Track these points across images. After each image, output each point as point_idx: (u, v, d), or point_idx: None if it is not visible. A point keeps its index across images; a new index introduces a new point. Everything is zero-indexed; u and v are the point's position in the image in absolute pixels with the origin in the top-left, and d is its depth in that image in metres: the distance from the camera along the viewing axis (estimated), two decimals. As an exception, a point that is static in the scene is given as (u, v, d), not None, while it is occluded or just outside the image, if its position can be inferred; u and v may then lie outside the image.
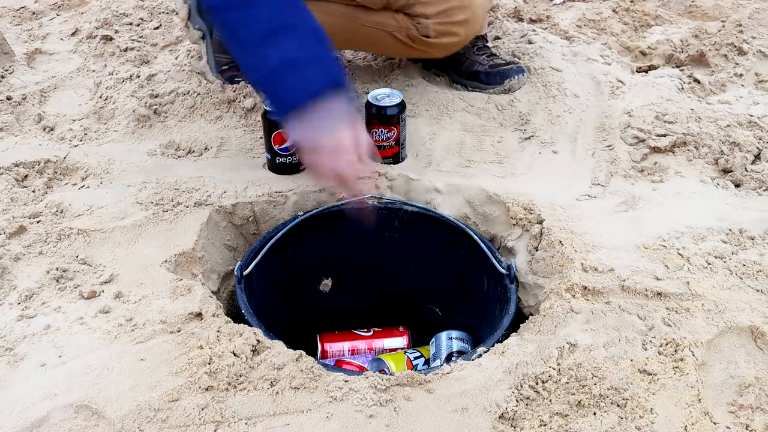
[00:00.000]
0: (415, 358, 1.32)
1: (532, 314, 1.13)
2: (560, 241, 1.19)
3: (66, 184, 1.39)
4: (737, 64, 1.80)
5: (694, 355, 0.96)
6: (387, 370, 1.24)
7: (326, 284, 1.44)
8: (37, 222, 1.24)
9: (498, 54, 1.79)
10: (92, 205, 1.29)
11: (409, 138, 1.45)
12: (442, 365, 0.98)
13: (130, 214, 1.27)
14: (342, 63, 1.06)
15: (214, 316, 1.04)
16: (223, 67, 1.69)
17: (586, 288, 1.09)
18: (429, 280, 1.44)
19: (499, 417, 0.88)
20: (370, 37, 1.55)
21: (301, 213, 1.33)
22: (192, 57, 1.83)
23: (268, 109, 1.35)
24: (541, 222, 1.25)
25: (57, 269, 1.12)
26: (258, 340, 0.99)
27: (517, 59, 1.78)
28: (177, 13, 2.08)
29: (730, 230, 1.21)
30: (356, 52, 1.82)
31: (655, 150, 1.46)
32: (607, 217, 1.27)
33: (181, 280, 1.13)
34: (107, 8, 2.14)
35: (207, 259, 1.23)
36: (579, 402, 0.90)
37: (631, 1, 2.24)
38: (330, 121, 1.06)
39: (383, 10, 1.52)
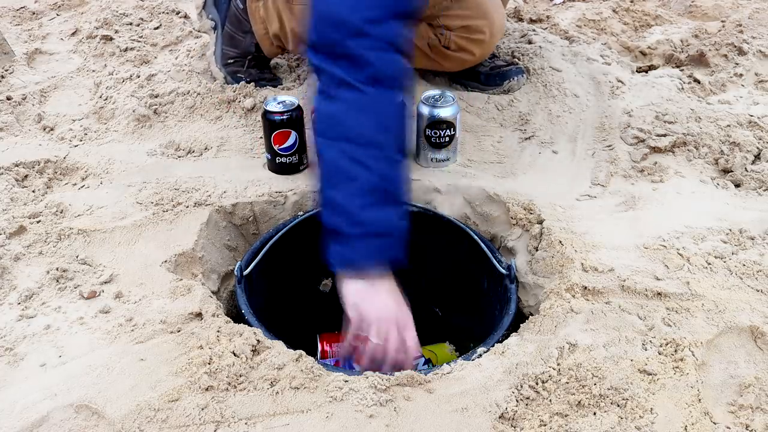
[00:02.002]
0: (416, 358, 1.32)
1: (532, 314, 1.13)
2: (560, 241, 1.19)
3: (66, 184, 1.39)
4: (737, 64, 1.81)
5: (694, 355, 0.96)
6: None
7: (326, 284, 1.44)
8: (37, 222, 1.24)
9: (498, 54, 1.79)
10: (92, 205, 1.29)
11: (409, 138, 1.45)
12: (442, 368, 0.98)
13: (130, 214, 1.27)
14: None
15: (214, 316, 1.04)
16: (228, 61, 1.70)
17: (586, 288, 1.09)
18: (429, 280, 1.44)
19: (499, 417, 0.88)
20: None
21: (301, 213, 1.33)
22: (191, 56, 1.83)
23: (268, 109, 1.35)
24: (541, 222, 1.25)
25: (57, 269, 1.12)
26: (258, 340, 0.99)
27: (516, 60, 1.78)
28: (178, 13, 2.09)
29: (730, 230, 1.21)
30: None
31: (655, 150, 1.46)
32: (607, 217, 1.27)
33: (181, 280, 1.13)
34: (107, 8, 2.14)
35: (207, 259, 1.23)
36: (579, 402, 0.90)
37: (631, 1, 2.24)
38: (390, 297, 1.07)
39: None
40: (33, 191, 1.34)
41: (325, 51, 1.06)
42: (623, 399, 0.90)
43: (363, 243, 1.05)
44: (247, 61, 1.70)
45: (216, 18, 1.70)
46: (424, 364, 1.31)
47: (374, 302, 1.06)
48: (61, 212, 1.27)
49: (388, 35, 1.04)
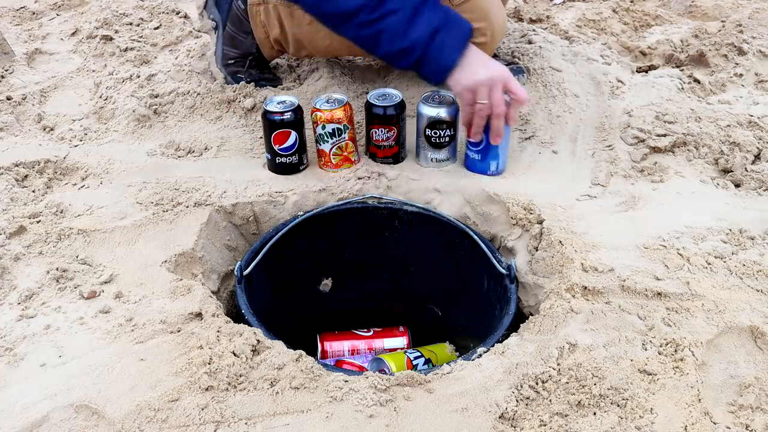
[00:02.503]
0: (415, 358, 1.32)
1: (532, 314, 1.13)
2: (560, 241, 1.19)
3: (66, 184, 1.39)
4: (737, 64, 1.81)
5: (694, 355, 0.96)
6: (387, 370, 1.24)
7: (326, 284, 1.44)
8: (37, 222, 1.24)
9: (498, 54, 1.79)
10: (92, 205, 1.29)
11: (408, 138, 1.45)
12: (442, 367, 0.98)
13: (130, 214, 1.27)
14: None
15: (214, 316, 1.04)
16: (228, 61, 1.69)
17: (586, 288, 1.09)
18: (429, 280, 1.44)
19: (499, 417, 0.88)
20: None
21: (301, 213, 1.33)
22: (191, 56, 1.83)
23: (268, 109, 1.35)
24: (541, 222, 1.25)
25: (57, 269, 1.12)
26: (258, 340, 0.99)
27: (517, 60, 1.78)
28: (178, 13, 2.09)
29: (730, 230, 1.21)
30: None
31: (655, 150, 1.46)
32: (607, 217, 1.27)
33: (181, 280, 1.13)
34: (107, 8, 2.14)
35: (207, 259, 1.23)
36: (579, 402, 0.90)
37: (631, 1, 2.25)
38: (484, 60, 1.30)
39: None
40: (33, 191, 1.34)
41: None
42: (623, 399, 0.90)
43: (432, 50, 1.26)
44: (248, 61, 1.70)
45: (217, 18, 1.70)
46: (424, 364, 1.31)
47: (473, 69, 1.28)
48: (61, 212, 1.27)
49: None
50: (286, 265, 1.32)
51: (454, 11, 1.30)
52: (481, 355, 0.99)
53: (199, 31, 1.82)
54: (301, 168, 1.41)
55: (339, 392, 0.90)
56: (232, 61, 1.70)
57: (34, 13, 2.22)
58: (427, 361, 1.32)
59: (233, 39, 1.68)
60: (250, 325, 1.05)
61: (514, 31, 1.99)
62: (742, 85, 1.74)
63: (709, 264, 1.13)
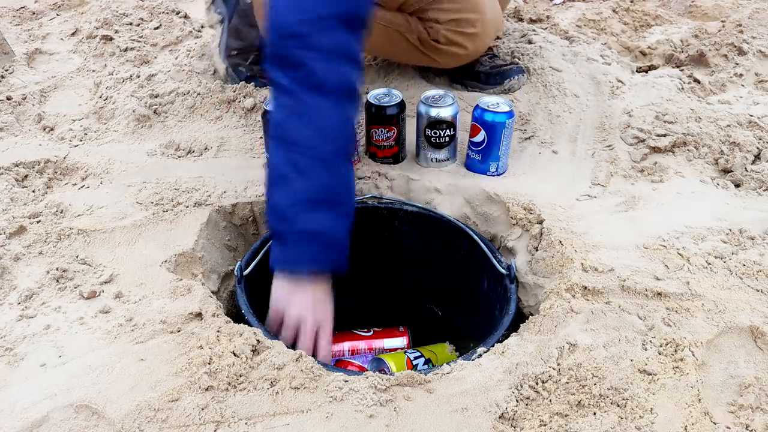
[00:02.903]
0: (415, 358, 1.32)
1: (532, 314, 1.13)
2: (560, 241, 1.19)
3: (66, 184, 1.39)
4: (737, 64, 1.81)
5: (694, 355, 0.96)
6: (387, 370, 1.24)
7: (326, 284, 1.44)
8: (37, 222, 1.24)
9: (498, 54, 1.79)
10: (92, 205, 1.29)
11: (408, 138, 1.45)
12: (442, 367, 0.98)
13: (130, 214, 1.27)
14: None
15: (214, 316, 1.04)
16: (231, 52, 1.71)
17: (586, 288, 1.09)
18: (429, 280, 1.44)
19: (499, 417, 0.88)
20: (381, 35, 1.56)
21: (301, 213, 1.33)
22: (191, 56, 1.84)
23: (268, 109, 1.35)
24: (541, 222, 1.25)
25: (57, 269, 1.12)
26: (258, 340, 0.98)
27: (517, 60, 1.78)
28: (178, 13, 2.09)
29: (730, 230, 1.21)
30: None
31: (655, 150, 1.46)
32: (607, 217, 1.27)
33: (181, 280, 1.13)
34: (107, 8, 2.14)
35: (207, 259, 1.23)
36: (579, 402, 0.90)
37: (631, 1, 2.25)
38: (311, 298, 1.09)
39: (397, 11, 1.53)
40: (33, 191, 1.34)
41: (269, 53, 1.07)
42: (623, 399, 0.90)
43: (295, 245, 1.07)
44: (252, 56, 1.70)
45: (224, 12, 1.72)
46: (424, 364, 1.31)
47: (294, 302, 1.08)
48: (61, 212, 1.27)
49: (331, 43, 1.04)
50: (286, 265, 1.32)
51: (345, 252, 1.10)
52: (481, 355, 0.99)
53: (203, 26, 1.82)
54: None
55: (339, 392, 0.90)
56: (235, 53, 1.70)
57: (34, 13, 2.22)
58: (427, 361, 1.32)
59: (238, 31, 1.69)
60: (250, 325, 1.05)
61: (514, 31, 1.99)
62: (742, 85, 1.74)
63: (709, 264, 1.13)
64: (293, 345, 1.07)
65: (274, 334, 1.08)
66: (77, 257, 1.16)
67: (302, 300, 1.08)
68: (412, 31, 1.55)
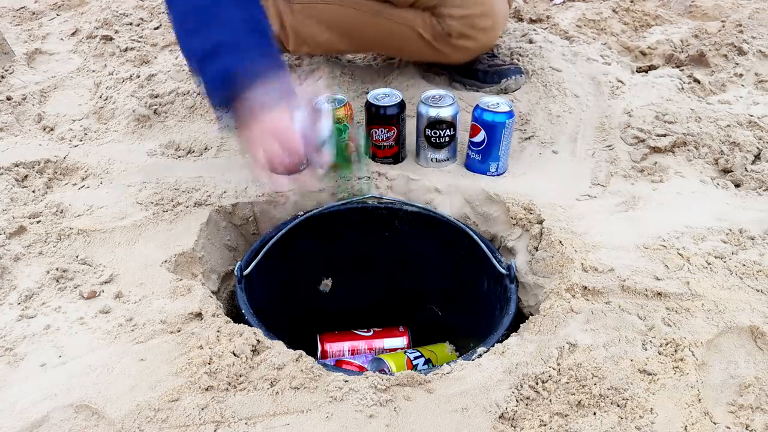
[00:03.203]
0: (415, 357, 1.32)
1: (532, 314, 1.13)
2: (560, 241, 1.19)
3: (66, 184, 1.39)
4: (737, 64, 1.81)
5: (694, 355, 0.96)
6: (387, 370, 1.24)
7: (326, 284, 1.44)
8: (37, 222, 1.24)
9: (498, 54, 1.79)
10: (92, 205, 1.29)
11: (408, 138, 1.45)
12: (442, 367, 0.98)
13: (130, 214, 1.27)
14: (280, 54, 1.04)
15: (214, 316, 1.04)
16: None
17: (586, 288, 1.09)
18: (429, 280, 1.44)
19: (499, 417, 0.88)
20: (393, 33, 1.57)
21: (301, 213, 1.33)
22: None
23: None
24: (541, 222, 1.25)
25: (57, 269, 1.12)
26: (258, 340, 0.99)
27: (516, 60, 1.78)
28: None
29: (730, 230, 1.21)
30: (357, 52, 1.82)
31: (655, 150, 1.46)
32: (607, 217, 1.27)
33: (181, 280, 1.13)
34: (107, 8, 2.14)
35: (207, 259, 1.23)
36: (579, 402, 0.90)
37: (631, 1, 2.25)
38: (260, 107, 1.02)
39: (410, 7, 1.54)
40: (33, 191, 1.34)
41: None
42: (623, 399, 0.90)
43: (208, 65, 1.02)
44: None
45: None
46: (424, 364, 1.32)
47: (250, 132, 1.04)
48: (61, 212, 1.27)
49: None
50: (286, 265, 1.32)
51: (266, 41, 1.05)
52: (481, 355, 0.99)
53: None
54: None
55: (339, 392, 0.90)
56: None
57: (34, 13, 2.22)
58: (427, 361, 1.32)
59: None
60: (250, 325, 1.05)
61: (514, 31, 1.99)
62: (742, 85, 1.74)
63: (709, 264, 1.13)
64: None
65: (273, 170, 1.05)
66: (77, 257, 1.16)
67: (256, 127, 1.03)
68: (426, 27, 1.56)
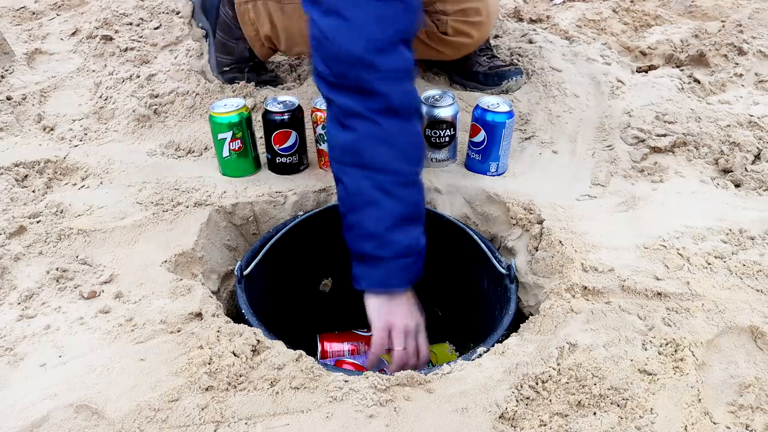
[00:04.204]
0: None
1: (532, 314, 1.13)
2: (560, 241, 1.19)
3: (66, 184, 1.39)
4: (737, 64, 1.81)
5: (694, 355, 0.96)
6: (387, 370, 1.24)
7: (326, 284, 1.44)
8: (37, 222, 1.24)
9: (498, 55, 1.79)
10: (92, 205, 1.29)
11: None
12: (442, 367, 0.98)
13: (130, 214, 1.27)
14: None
15: (214, 316, 1.04)
16: (224, 68, 1.69)
17: (586, 288, 1.09)
18: (429, 280, 1.44)
19: (499, 417, 0.88)
20: None
21: (301, 213, 1.33)
22: (191, 56, 1.83)
23: (268, 109, 1.35)
24: (541, 222, 1.25)
25: (57, 269, 1.12)
26: (258, 340, 0.98)
27: (516, 61, 1.78)
28: (178, 13, 2.09)
29: (730, 230, 1.21)
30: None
31: (655, 150, 1.46)
32: (607, 217, 1.27)
33: (181, 280, 1.13)
34: (107, 8, 2.14)
35: (207, 259, 1.23)
36: (579, 402, 0.90)
37: (631, 1, 2.25)
38: (410, 308, 1.16)
39: None
40: (33, 191, 1.34)
41: (334, 82, 1.07)
42: (623, 399, 0.90)
43: (393, 264, 1.11)
44: (246, 66, 1.69)
45: (206, 26, 1.69)
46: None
47: (397, 314, 1.14)
48: (61, 212, 1.27)
49: (397, 65, 1.05)
50: (286, 265, 1.32)
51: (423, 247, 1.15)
52: (481, 355, 0.99)
53: (191, 39, 1.80)
54: (301, 168, 1.41)
55: (339, 392, 0.90)
56: (228, 68, 1.69)
57: (34, 13, 2.22)
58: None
59: (225, 46, 1.68)
60: (250, 325, 1.05)
61: (514, 31, 1.99)
62: (742, 85, 1.74)
63: (709, 264, 1.13)
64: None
65: (384, 350, 1.15)
66: (77, 257, 1.16)
67: (404, 311, 1.14)
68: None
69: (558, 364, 0.95)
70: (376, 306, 1.14)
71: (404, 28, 1.05)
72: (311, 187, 1.36)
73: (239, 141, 1.35)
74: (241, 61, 1.68)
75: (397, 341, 1.13)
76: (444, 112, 1.36)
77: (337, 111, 1.09)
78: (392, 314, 1.14)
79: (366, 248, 1.12)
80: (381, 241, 1.10)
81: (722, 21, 2.07)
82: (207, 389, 0.90)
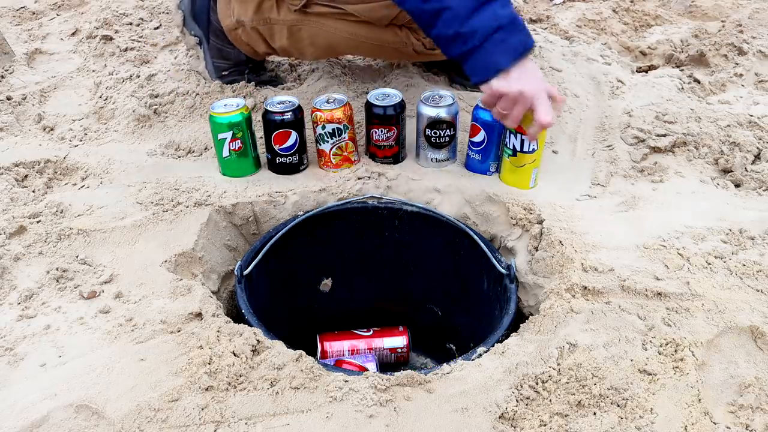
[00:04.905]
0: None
1: (532, 314, 1.13)
2: (560, 241, 1.19)
3: (66, 184, 1.39)
4: (737, 64, 1.81)
5: (694, 355, 0.96)
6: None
7: (326, 284, 1.44)
8: (37, 222, 1.24)
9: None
10: (92, 205, 1.29)
11: (408, 138, 1.45)
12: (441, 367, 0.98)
13: (130, 214, 1.27)
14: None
15: (214, 316, 1.04)
16: (223, 73, 1.68)
17: (586, 288, 1.09)
18: (429, 280, 1.44)
19: (499, 417, 0.88)
20: (374, 50, 1.57)
21: (301, 213, 1.33)
22: (191, 56, 1.83)
23: (268, 109, 1.35)
24: (541, 222, 1.25)
25: (57, 269, 1.12)
26: (258, 340, 0.99)
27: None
28: (171, 21, 2.09)
29: (730, 230, 1.21)
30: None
31: (655, 150, 1.46)
32: (607, 217, 1.27)
33: (181, 280, 1.13)
34: (107, 8, 2.14)
35: (207, 259, 1.23)
36: (579, 402, 0.90)
37: (631, 1, 2.25)
38: (529, 77, 1.20)
39: (388, 26, 1.50)
40: (33, 191, 1.34)
41: None
42: (623, 399, 0.90)
43: (485, 49, 1.18)
44: (245, 68, 1.69)
45: (199, 33, 1.67)
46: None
47: (522, 80, 1.19)
48: (61, 212, 1.27)
49: None
50: (286, 265, 1.32)
51: (522, 19, 1.22)
52: (481, 355, 0.99)
53: (186, 47, 1.79)
54: (301, 168, 1.41)
55: (339, 392, 0.90)
56: (226, 72, 1.68)
57: (34, 13, 2.22)
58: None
59: (220, 51, 1.67)
60: (250, 325, 1.05)
61: (514, 31, 1.99)
62: (742, 85, 1.74)
63: (709, 264, 1.13)
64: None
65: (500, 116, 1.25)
66: (77, 257, 1.16)
67: (518, 81, 1.19)
68: (406, 45, 1.54)
69: (558, 364, 0.95)
70: (489, 91, 1.21)
71: None
72: (311, 187, 1.36)
73: (239, 141, 1.35)
74: (239, 64, 1.68)
75: (502, 103, 1.21)
76: (444, 112, 1.36)
77: None
78: (515, 84, 1.19)
79: (456, 49, 1.20)
80: (464, 35, 1.17)
81: (722, 21, 2.07)
82: (207, 389, 0.90)
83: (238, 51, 1.65)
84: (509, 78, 1.19)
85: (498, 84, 1.20)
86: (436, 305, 1.48)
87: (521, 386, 0.92)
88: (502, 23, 1.17)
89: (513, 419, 0.88)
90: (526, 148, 1.29)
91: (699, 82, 1.73)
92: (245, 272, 1.18)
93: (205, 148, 1.49)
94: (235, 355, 0.95)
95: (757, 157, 1.44)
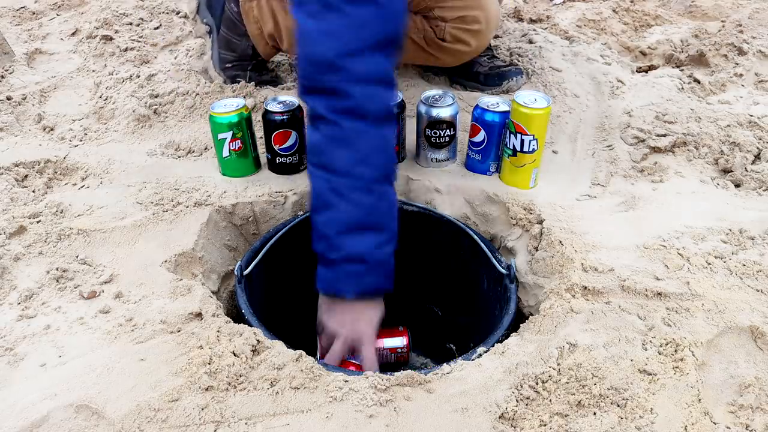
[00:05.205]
0: None
1: (532, 314, 1.13)
2: (560, 241, 1.19)
3: (66, 184, 1.39)
4: (737, 64, 1.81)
5: (694, 355, 0.96)
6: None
7: (326, 284, 1.44)
8: (37, 222, 1.24)
9: (497, 55, 1.79)
10: (92, 205, 1.29)
11: (408, 138, 1.45)
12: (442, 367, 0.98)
13: (130, 214, 1.27)
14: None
15: (214, 316, 1.04)
16: (227, 65, 1.69)
17: (586, 288, 1.09)
18: (429, 280, 1.44)
19: (499, 417, 0.88)
20: None
21: (301, 213, 1.33)
22: (191, 56, 1.83)
23: (268, 109, 1.35)
24: (541, 222, 1.25)
25: (57, 269, 1.12)
26: (258, 340, 0.99)
27: (516, 61, 1.78)
28: (178, 13, 2.09)
29: (730, 230, 1.21)
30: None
31: (655, 150, 1.46)
32: (607, 217, 1.27)
33: (181, 280, 1.13)
34: (107, 8, 2.14)
35: (207, 259, 1.23)
36: (579, 402, 0.90)
37: (631, 1, 2.25)
38: (352, 317, 1.13)
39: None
40: (33, 191, 1.34)
41: (305, 85, 1.07)
42: (623, 399, 0.90)
43: (340, 269, 1.10)
44: (248, 65, 1.70)
45: (210, 22, 1.69)
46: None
47: (331, 318, 1.14)
48: (61, 212, 1.27)
49: (369, 69, 1.04)
50: (286, 265, 1.32)
51: (392, 267, 1.14)
52: (481, 355, 0.99)
53: (194, 35, 1.81)
54: (301, 168, 1.41)
55: (339, 392, 0.90)
56: (230, 65, 1.69)
57: (34, 13, 2.22)
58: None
59: (228, 42, 1.68)
60: (250, 325, 1.05)
61: (515, 31, 1.99)
62: (742, 85, 1.74)
63: (709, 264, 1.13)
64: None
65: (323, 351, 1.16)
66: (77, 257, 1.16)
67: (339, 319, 1.13)
68: (418, 31, 1.55)
69: (558, 364, 0.95)
70: (320, 307, 1.17)
71: (380, 33, 1.03)
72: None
73: (239, 141, 1.35)
74: (243, 58, 1.69)
75: (334, 347, 1.12)
76: (444, 112, 1.36)
77: (308, 112, 1.10)
78: (327, 318, 1.14)
79: (319, 248, 1.12)
80: (330, 244, 1.10)
81: (722, 21, 2.07)
82: (207, 389, 0.90)
83: (246, 44, 1.66)
84: (342, 310, 1.13)
85: (328, 309, 1.15)
86: (436, 305, 1.48)
87: (521, 386, 0.92)
88: (367, 258, 1.09)
89: (513, 419, 0.88)
90: (526, 148, 1.29)
91: (699, 82, 1.73)
92: (245, 272, 1.18)
93: (205, 148, 1.49)
94: (235, 355, 0.95)
95: (757, 157, 1.44)
